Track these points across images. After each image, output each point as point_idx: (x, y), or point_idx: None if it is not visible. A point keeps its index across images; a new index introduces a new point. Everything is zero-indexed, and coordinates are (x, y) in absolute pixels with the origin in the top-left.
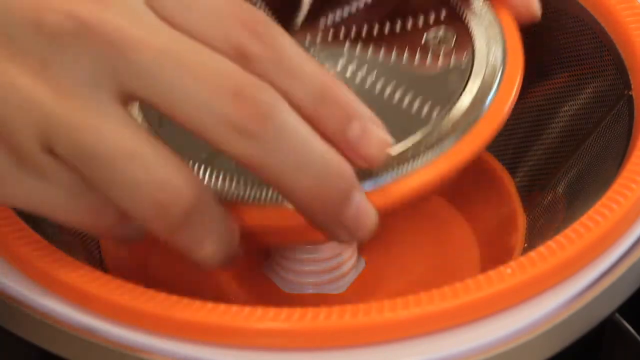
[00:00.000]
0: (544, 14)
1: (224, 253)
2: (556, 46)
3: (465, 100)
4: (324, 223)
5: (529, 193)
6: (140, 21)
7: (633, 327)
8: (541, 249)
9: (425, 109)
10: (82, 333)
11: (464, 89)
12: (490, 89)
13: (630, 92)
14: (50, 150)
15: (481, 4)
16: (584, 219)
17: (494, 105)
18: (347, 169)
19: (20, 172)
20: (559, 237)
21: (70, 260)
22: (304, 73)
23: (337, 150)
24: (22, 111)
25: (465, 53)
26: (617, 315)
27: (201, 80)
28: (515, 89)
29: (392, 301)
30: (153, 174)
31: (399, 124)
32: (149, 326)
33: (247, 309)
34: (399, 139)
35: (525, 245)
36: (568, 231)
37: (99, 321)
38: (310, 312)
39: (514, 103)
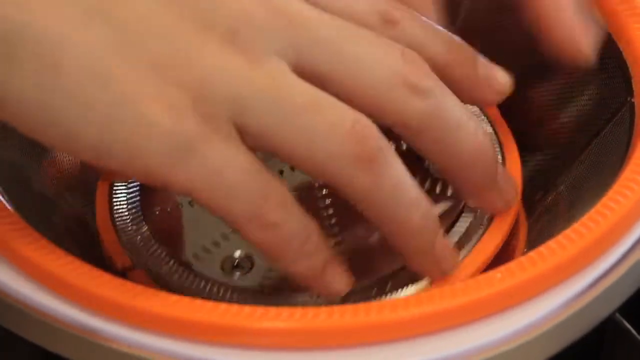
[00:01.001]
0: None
1: None
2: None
3: (452, 237)
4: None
5: (530, 195)
6: (307, 5)
7: (634, 327)
8: (541, 249)
9: None
10: (83, 333)
11: (454, 223)
12: (479, 227)
13: (632, 99)
14: (236, 125)
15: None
16: (584, 219)
17: (481, 243)
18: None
19: (209, 146)
20: (560, 238)
21: (71, 259)
22: (437, 30)
23: (468, 92)
24: (222, 80)
25: None
26: (618, 315)
27: (374, 45)
28: (505, 231)
29: (392, 301)
30: (353, 115)
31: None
32: (150, 325)
33: (247, 308)
34: (386, 267)
35: (526, 247)
36: (568, 232)
37: (100, 320)
38: (310, 311)
39: (502, 245)
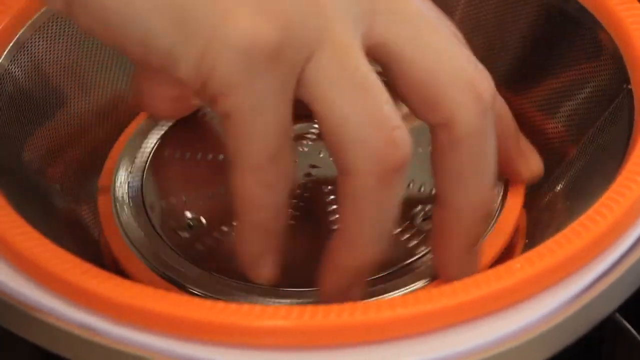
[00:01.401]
0: (539, 8)
1: None
2: (553, 42)
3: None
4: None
5: (530, 191)
6: None
7: (633, 327)
8: (540, 248)
9: None
10: (83, 332)
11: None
12: None
13: (629, 86)
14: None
15: None
16: (583, 218)
17: None
18: None
19: (274, 79)
20: (559, 236)
21: (70, 258)
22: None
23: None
24: (309, 21)
25: None
26: (618, 314)
27: (453, 43)
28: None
29: (390, 300)
30: (398, 121)
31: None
32: (150, 325)
33: (245, 306)
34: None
35: (526, 243)
36: (568, 230)
37: (100, 320)
38: (308, 310)
39: None
